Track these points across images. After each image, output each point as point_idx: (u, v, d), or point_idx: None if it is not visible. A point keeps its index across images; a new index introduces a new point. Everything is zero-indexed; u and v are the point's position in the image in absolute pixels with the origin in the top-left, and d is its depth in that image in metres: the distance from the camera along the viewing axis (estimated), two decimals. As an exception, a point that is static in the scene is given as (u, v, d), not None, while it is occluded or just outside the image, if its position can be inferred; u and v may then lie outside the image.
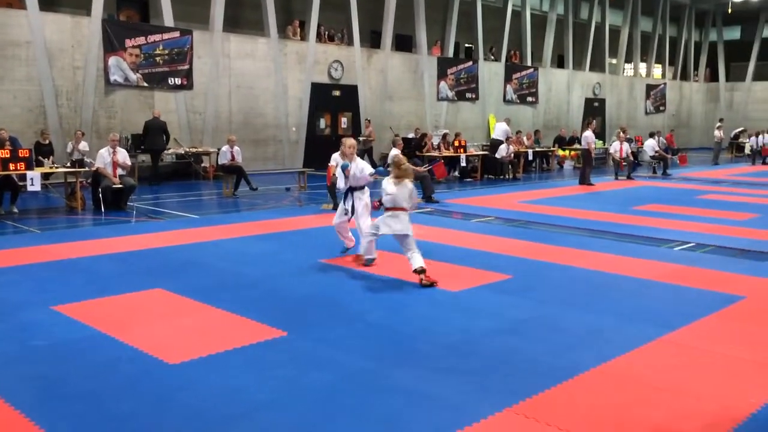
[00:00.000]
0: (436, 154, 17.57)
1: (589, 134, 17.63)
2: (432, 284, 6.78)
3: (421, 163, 15.21)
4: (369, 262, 7.73)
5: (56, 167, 12.15)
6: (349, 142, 8.13)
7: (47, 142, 14.60)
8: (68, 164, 12.22)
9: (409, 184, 7.07)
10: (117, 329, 5.39)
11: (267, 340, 5.20)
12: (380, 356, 4.88)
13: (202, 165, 17.81)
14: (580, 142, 24.19)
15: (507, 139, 18.36)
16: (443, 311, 6.04)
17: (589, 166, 17.25)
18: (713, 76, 39.90)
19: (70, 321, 5.61)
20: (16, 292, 6.50)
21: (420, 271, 6.81)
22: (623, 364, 4.74)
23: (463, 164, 17.73)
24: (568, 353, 4.95)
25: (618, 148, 19.15)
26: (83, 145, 14.69)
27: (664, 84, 36.35)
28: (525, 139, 21.22)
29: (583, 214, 11.99)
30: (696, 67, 39.58)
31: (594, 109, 31.63)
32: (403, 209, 7.05)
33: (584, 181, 17.10)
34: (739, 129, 32.00)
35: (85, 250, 8.42)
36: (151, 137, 15.73)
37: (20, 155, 11.00)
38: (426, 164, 14.84)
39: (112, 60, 16.51)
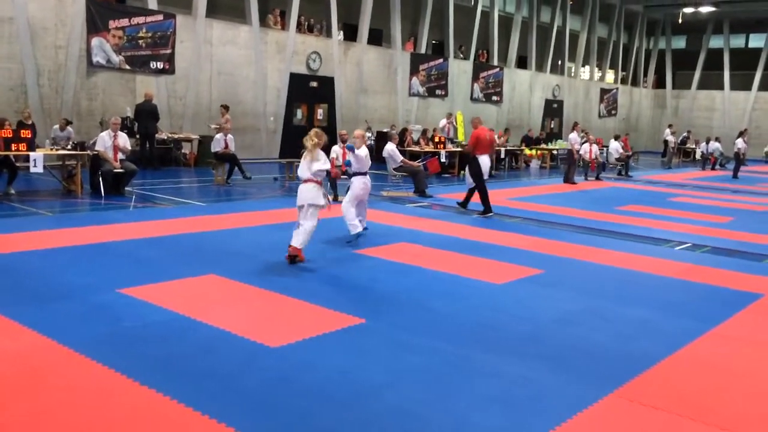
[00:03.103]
0: (417, 149, 17.88)
1: (574, 136, 18.29)
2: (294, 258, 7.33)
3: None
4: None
5: (56, 149, 11.89)
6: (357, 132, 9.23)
7: (30, 122, 14.19)
8: (69, 147, 11.98)
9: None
10: (197, 312, 5.49)
11: (351, 326, 5.40)
12: (464, 343, 5.15)
13: (182, 152, 17.62)
14: (546, 143, 25.07)
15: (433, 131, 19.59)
16: (498, 302, 6.35)
17: (573, 165, 18.01)
18: (660, 83, 41.60)
19: (145, 304, 5.67)
20: (72, 274, 6.50)
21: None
22: (693, 352, 5.16)
23: (443, 160, 18.09)
24: (635, 343, 5.34)
25: (587, 149, 19.90)
26: (68, 133, 14.32)
27: (617, 89, 37.70)
28: (496, 137, 21.73)
29: (573, 213, 12.52)
30: (645, 74, 41.17)
31: (553, 110, 32.60)
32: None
33: (568, 179, 17.85)
34: (685, 134, 33.50)
35: (113, 234, 8.39)
36: (143, 121, 15.50)
37: (22, 136, 10.75)
38: (421, 159, 15.15)
39: (95, 41, 16.18)
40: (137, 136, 16.10)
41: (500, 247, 8.93)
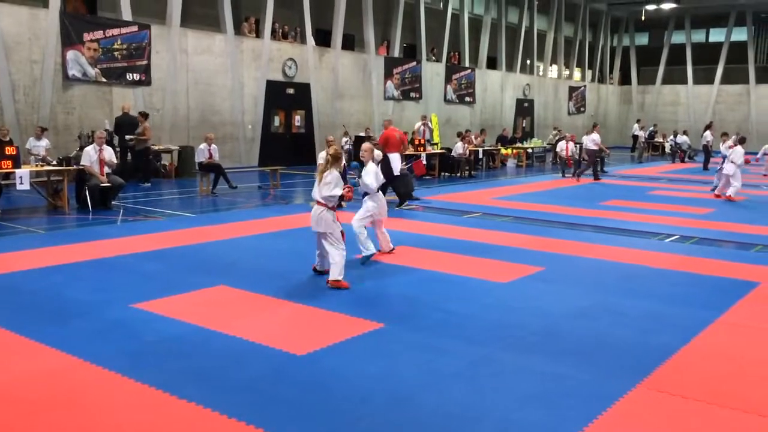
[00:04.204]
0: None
1: (595, 136, 18.80)
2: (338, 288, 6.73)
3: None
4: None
5: (41, 165, 11.70)
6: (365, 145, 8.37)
7: (7, 139, 13.93)
8: (53, 161, 11.81)
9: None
10: (215, 323, 5.50)
11: (371, 331, 5.45)
12: (486, 343, 5.23)
13: (162, 163, 17.45)
14: (522, 142, 25.37)
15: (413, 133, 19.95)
16: (509, 300, 6.45)
17: (598, 163, 19.03)
18: (625, 80, 42.35)
19: (162, 318, 5.65)
20: (80, 291, 6.44)
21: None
22: (706, 341, 5.32)
23: (424, 162, 18.18)
24: (650, 335, 5.47)
25: (564, 147, 20.21)
26: (45, 143, 14.09)
27: (584, 86, 38.28)
28: (473, 138, 21.94)
29: (559, 210, 12.70)
30: (611, 71, 41.87)
31: (524, 109, 32.99)
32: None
33: (596, 175, 18.89)
34: (652, 129, 34.12)
35: (112, 249, 8.31)
36: (124, 134, 15.29)
37: (7, 153, 10.58)
38: (404, 162, 15.22)
39: (70, 54, 15.96)
40: (117, 149, 15.84)
41: (495, 247, 9.04)
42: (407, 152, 17.87)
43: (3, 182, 11.13)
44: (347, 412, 4.00)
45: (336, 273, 6.78)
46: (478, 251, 8.69)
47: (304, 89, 21.68)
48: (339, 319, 5.75)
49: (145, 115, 15.69)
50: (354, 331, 5.44)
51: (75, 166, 11.65)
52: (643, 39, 42.04)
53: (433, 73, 26.93)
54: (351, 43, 24.24)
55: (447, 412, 4.02)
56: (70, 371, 4.50)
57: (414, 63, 25.89)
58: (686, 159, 28.18)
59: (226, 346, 5.05)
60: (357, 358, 4.87)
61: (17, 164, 10.65)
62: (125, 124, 15.52)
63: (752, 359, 4.95)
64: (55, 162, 11.77)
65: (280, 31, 21.27)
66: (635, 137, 31.04)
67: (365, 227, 8.04)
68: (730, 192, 14.56)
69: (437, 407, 4.09)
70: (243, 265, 7.74)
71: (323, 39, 22.99)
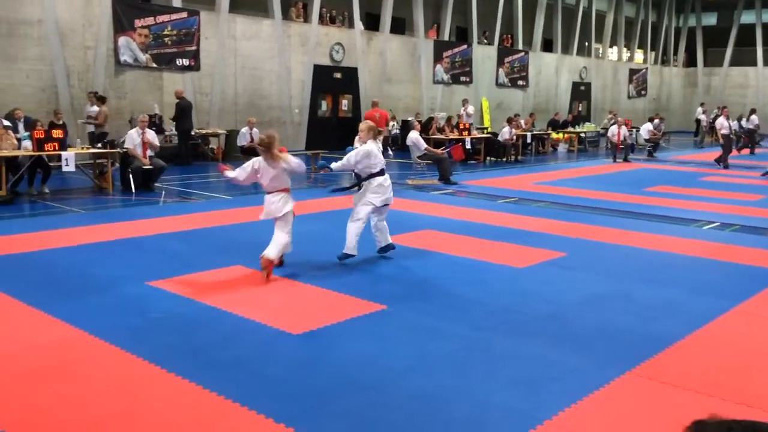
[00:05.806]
0: (442, 136, 17.86)
1: (723, 120, 18.31)
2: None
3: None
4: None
5: (86, 148, 12.17)
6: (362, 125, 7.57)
7: (61, 122, 14.51)
8: (99, 145, 12.26)
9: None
10: (222, 302, 5.64)
11: (372, 313, 5.50)
12: (487, 327, 5.21)
13: (210, 147, 17.86)
14: (574, 126, 24.84)
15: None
16: (521, 285, 6.39)
17: (727, 149, 18.17)
18: (691, 62, 40.81)
19: (173, 296, 5.84)
20: (104, 268, 6.70)
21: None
22: (713, 331, 5.16)
23: (468, 147, 18.06)
24: (656, 323, 5.34)
25: (616, 131, 19.69)
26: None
27: (646, 69, 37.11)
28: (522, 122, 21.62)
29: (600, 195, 12.44)
30: (675, 53, 40.43)
31: (581, 93, 32.23)
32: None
33: (726, 163, 18.00)
34: (716, 112, 32.78)
35: (143, 229, 8.59)
36: (185, 118, 15.81)
37: (54, 136, 11.03)
38: (444, 146, 15.16)
39: (122, 40, 16.44)
40: (176, 133, 16.33)
41: (525, 232, 8.93)
42: (450, 137, 17.80)
43: (51, 164, 11.60)
44: (327, 390, 4.06)
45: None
46: (504, 236, 8.61)
47: (351, 73, 21.75)
48: (344, 300, 5.82)
49: (102, 99, 14.86)
50: (356, 312, 5.50)
51: (119, 149, 12.05)
52: (710, 19, 40.35)
53: (484, 56, 26.59)
54: (400, 26, 24.13)
55: (427, 394, 4.04)
56: (72, 343, 4.71)
57: (465, 46, 25.62)
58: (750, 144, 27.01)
59: (227, 323, 5.18)
60: (351, 338, 4.93)
61: (63, 147, 11.08)
62: (187, 108, 16.00)
63: (755, 350, 4.78)
64: (100, 145, 12.19)
65: (328, 15, 21.37)
66: (698, 121, 29.97)
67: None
68: None
69: (419, 389, 4.11)
70: (265, 246, 7.86)
71: (372, 23, 22.99)
